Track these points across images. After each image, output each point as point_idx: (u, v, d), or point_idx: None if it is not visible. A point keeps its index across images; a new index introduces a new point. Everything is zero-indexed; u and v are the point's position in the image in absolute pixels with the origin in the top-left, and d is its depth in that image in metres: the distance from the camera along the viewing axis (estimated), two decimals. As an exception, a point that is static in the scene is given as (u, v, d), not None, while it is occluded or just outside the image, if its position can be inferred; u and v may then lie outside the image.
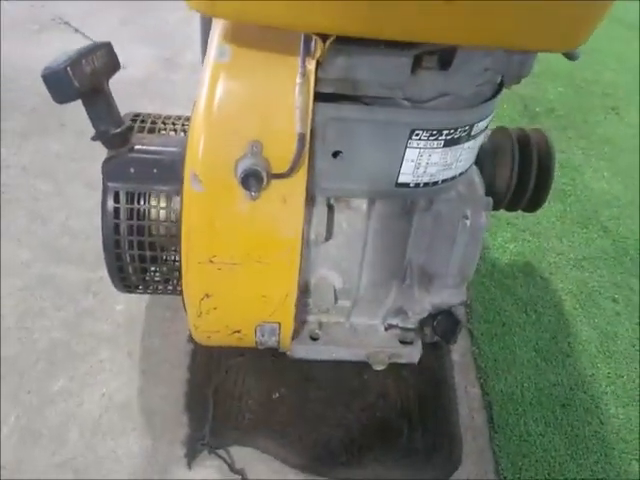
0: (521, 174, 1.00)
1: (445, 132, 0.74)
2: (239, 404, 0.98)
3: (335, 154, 0.76)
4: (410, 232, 0.91)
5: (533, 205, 1.03)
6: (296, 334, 1.04)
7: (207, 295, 0.79)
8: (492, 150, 1.04)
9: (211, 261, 0.76)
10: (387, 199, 0.87)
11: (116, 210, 0.81)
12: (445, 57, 0.68)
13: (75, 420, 0.95)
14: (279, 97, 0.67)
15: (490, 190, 1.01)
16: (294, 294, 0.80)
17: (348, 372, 1.05)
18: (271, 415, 0.98)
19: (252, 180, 0.67)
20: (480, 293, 1.24)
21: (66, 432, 0.94)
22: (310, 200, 0.82)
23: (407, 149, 0.75)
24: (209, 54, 0.68)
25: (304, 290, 0.95)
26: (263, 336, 0.87)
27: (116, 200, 0.81)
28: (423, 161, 0.77)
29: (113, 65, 0.77)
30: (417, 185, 0.81)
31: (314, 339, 1.06)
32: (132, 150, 0.81)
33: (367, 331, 1.08)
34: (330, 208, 0.85)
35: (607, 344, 1.19)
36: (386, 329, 1.07)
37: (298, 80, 0.64)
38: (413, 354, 1.06)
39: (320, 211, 0.83)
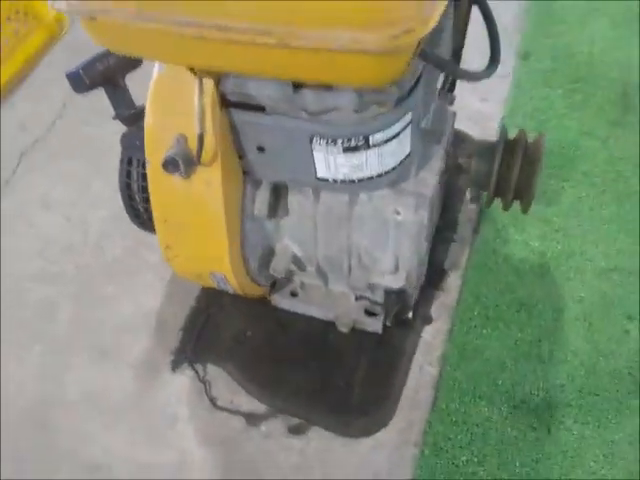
0: (505, 165, 1.05)
1: (340, 141, 0.84)
2: (218, 333, 1.23)
3: (260, 149, 0.91)
4: (352, 219, 1.02)
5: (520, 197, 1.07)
6: (280, 288, 1.25)
7: (168, 246, 1.03)
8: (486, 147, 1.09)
9: (166, 221, 0.99)
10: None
11: (128, 172, 1.08)
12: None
13: (112, 318, 1.30)
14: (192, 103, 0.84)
15: (481, 181, 1.08)
16: (227, 255, 0.99)
17: (317, 329, 1.21)
18: (240, 348, 1.20)
19: (169, 166, 0.86)
20: (476, 285, 1.27)
21: (105, 326, 1.29)
22: (255, 182, 0.99)
23: (313, 151, 0.87)
24: (155, 66, 0.88)
25: (271, 254, 1.13)
26: (218, 283, 1.09)
27: (129, 164, 1.08)
28: (331, 162, 0.89)
29: (132, 64, 1.02)
30: (335, 181, 0.92)
31: (294, 295, 1.24)
32: (140, 128, 1.06)
33: (340, 297, 1.22)
34: (276, 190, 1.01)
35: (596, 360, 1.16)
36: (356, 298, 1.21)
37: (195, 93, 0.81)
38: (376, 324, 1.18)
39: (262, 193, 1.00)
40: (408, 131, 0.89)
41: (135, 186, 1.08)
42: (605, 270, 1.27)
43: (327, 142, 0.85)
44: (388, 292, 1.11)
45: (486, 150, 1.10)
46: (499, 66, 0.89)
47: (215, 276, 1.06)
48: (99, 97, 1.03)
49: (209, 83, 0.82)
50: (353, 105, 0.80)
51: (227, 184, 0.92)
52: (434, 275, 1.28)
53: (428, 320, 1.23)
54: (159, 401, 1.17)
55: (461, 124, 1.12)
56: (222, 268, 1.02)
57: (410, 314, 1.20)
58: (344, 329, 1.19)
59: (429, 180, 1.02)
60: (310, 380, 1.15)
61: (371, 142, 0.85)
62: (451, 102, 1.15)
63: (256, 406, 1.15)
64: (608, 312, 1.21)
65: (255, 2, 0.60)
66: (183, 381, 1.20)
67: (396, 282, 1.06)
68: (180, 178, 0.91)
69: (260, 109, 0.84)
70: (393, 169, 0.93)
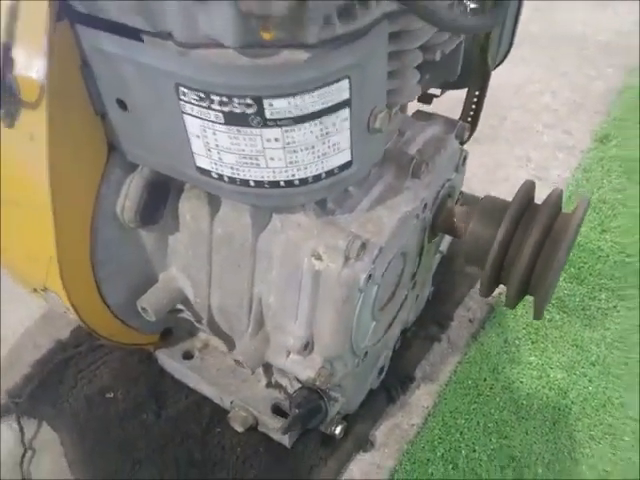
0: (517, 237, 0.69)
1: (216, 99, 0.51)
2: (72, 384, 0.86)
3: (120, 103, 0.59)
4: (256, 256, 0.67)
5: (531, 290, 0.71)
6: (172, 342, 0.88)
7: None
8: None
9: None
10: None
11: None
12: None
13: None
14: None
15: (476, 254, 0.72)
16: (56, 262, 0.65)
17: (202, 416, 0.84)
18: (89, 414, 0.83)
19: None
20: (453, 413, 0.85)
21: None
22: (129, 167, 0.67)
23: (184, 115, 0.54)
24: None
25: (151, 285, 0.78)
26: (57, 307, 0.74)
27: None
28: (211, 140, 0.54)
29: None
30: (221, 177, 0.58)
31: (188, 357, 0.87)
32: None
33: (246, 377, 0.84)
34: (160, 186, 0.68)
35: None
36: (267, 384, 0.82)
37: None
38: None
39: (134, 183, 0.66)
40: (342, 118, 0.54)
41: None
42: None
43: (199, 99, 0.52)
44: (303, 387, 0.72)
45: (492, 210, 0.73)
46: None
47: (50, 296, 0.72)
48: None
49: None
50: (233, 33, 0.46)
51: (61, 144, 0.59)
52: (395, 381, 0.88)
53: (365, 445, 0.82)
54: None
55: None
56: (53, 282, 0.68)
57: (338, 430, 0.79)
58: (238, 426, 0.80)
59: (386, 222, 0.65)
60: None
61: (268, 113, 0.51)
62: (460, 137, 0.79)
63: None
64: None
65: None
66: (6, 436, 0.84)
67: (304, 370, 0.67)
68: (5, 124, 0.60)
69: (113, 29, 0.53)
70: (316, 179, 0.58)
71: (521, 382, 0.89)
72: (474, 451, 0.80)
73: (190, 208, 0.70)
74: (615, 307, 0.98)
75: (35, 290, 0.75)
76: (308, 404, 0.68)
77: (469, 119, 0.89)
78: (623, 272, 1.04)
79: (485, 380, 0.89)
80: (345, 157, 0.58)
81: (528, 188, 0.73)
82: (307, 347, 0.66)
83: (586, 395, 0.87)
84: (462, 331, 0.96)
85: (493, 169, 1.30)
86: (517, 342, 0.93)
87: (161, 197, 0.69)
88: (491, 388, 0.88)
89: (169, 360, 0.86)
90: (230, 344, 0.82)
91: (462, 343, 0.94)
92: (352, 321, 0.64)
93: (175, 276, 0.76)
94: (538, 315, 0.71)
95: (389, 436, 0.83)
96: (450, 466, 0.79)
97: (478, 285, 1.00)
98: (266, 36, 0.46)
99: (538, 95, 1.54)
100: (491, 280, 0.72)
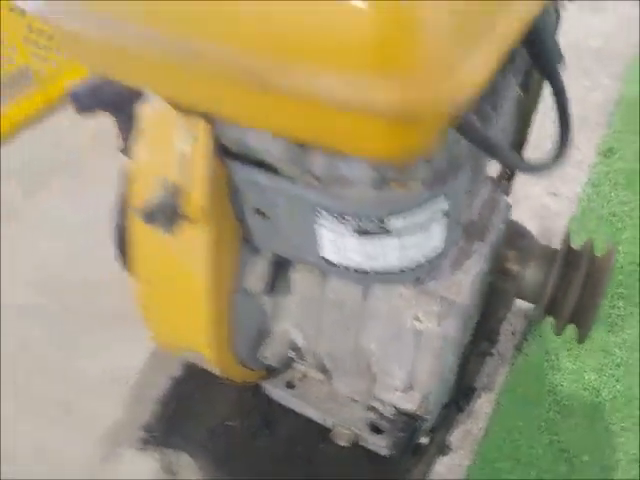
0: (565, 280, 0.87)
1: (347, 217, 0.68)
2: (196, 417, 1.04)
3: (259, 213, 0.76)
4: (364, 316, 0.84)
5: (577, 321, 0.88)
6: (275, 374, 1.06)
7: (145, 306, 0.87)
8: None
9: (143, 277, 0.84)
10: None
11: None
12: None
13: (86, 370, 1.14)
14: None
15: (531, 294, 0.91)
16: (207, 334, 0.82)
17: (309, 434, 1.02)
18: (215, 441, 1.01)
19: (145, 217, 0.72)
20: (510, 415, 1.05)
21: (76, 379, 1.13)
22: (253, 250, 0.84)
23: (318, 227, 0.71)
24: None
25: (267, 336, 0.96)
26: (199, 362, 0.92)
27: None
28: (339, 243, 0.71)
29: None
30: (346, 268, 0.75)
31: (290, 387, 1.05)
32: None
33: (344, 402, 1.02)
34: (277, 263, 0.85)
35: None
36: (363, 408, 1.01)
37: (177, 133, 0.68)
38: (381, 445, 0.97)
39: (260, 265, 0.83)
40: (441, 223, 0.72)
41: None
42: None
43: (334, 218, 0.69)
44: (400, 412, 0.91)
45: (543, 257, 0.91)
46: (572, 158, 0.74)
47: (194, 355, 0.90)
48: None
49: (201, 124, 0.68)
50: (368, 179, 0.63)
51: (217, 250, 0.76)
52: (460, 393, 1.07)
53: (445, 450, 1.01)
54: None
55: (521, 218, 0.95)
56: (199, 346, 0.86)
57: (425, 439, 0.98)
58: (342, 442, 0.99)
59: (464, 284, 0.82)
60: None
61: (389, 228, 0.68)
62: (506, 192, 0.97)
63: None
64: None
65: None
66: (150, 465, 1.02)
67: (407, 403, 0.86)
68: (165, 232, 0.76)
69: (262, 166, 0.70)
70: (419, 266, 0.75)
71: (562, 386, 1.08)
72: (532, 447, 1.00)
73: (302, 278, 0.86)
74: (632, 313, 1.18)
75: (178, 350, 0.92)
76: (408, 428, 0.87)
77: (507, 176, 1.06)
78: (634, 280, 1.23)
79: (532, 385, 1.08)
80: (440, 246, 0.75)
81: (567, 239, 0.91)
82: (409, 386, 0.84)
83: (615, 393, 1.06)
84: (508, 343, 1.15)
85: (514, 188, 1.47)
86: (555, 351, 1.12)
87: (280, 270, 0.86)
88: (538, 392, 1.07)
89: (275, 390, 1.04)
90: (329, 377, 1.00)
91: (509, 354, 1.13)
92: (445, 364, 0.83)
93: (287, 329, 0.94)
94: (582, 340, 0.89)
95: (463, 440, 1.02)
96: (514, 461, 0.98)
97: (517, 301, 1.21)
98: (396, 187, 0.63)
99: (543, 108, 1.69)
100: (544, 314, 0.90)
